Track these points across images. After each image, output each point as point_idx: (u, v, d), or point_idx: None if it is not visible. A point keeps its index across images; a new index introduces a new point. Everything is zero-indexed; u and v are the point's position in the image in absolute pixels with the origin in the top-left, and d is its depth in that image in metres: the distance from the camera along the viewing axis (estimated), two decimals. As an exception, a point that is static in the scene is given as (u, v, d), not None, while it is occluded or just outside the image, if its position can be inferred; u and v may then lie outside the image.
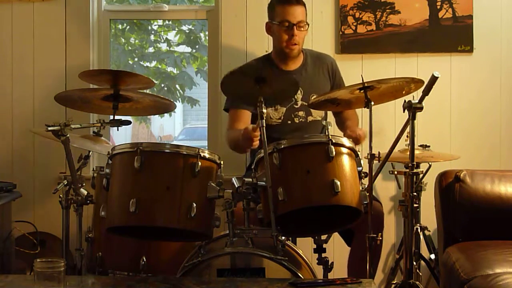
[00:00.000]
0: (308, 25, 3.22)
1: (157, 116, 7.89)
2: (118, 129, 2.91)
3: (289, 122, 3.25)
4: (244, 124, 3.07)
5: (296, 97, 3.24)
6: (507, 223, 3.07)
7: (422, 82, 2.61)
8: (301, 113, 3.26)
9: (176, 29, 6.26)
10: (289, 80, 2.66)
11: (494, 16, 3.72)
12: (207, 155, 2.41)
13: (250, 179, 2.36)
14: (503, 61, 3.72)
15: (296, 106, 3.26)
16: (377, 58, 3.73)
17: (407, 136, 2.61)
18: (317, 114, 3.28)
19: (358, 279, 2.27)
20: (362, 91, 2.60)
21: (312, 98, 3.14)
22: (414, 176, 2.60)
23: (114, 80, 2.74)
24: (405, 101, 2.51)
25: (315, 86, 3.26)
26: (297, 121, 3.26)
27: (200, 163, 2.36)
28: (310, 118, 3.28)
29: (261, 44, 3.61)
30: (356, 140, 2.94)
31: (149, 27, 6.32)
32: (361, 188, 2.45)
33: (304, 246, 2.89)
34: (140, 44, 6.51)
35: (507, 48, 3.72)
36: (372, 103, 2.58)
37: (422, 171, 3.02)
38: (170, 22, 6.11)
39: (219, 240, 2.53)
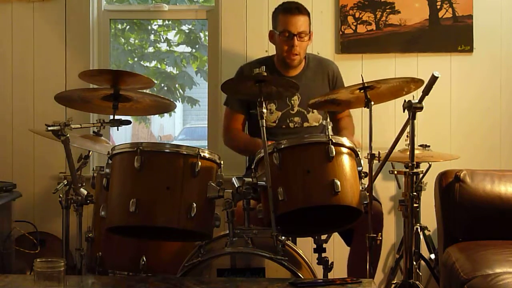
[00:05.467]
0: (311, 35, 3.22)
1: (157, 116, 7.88)
2: (118, 129, 2.91)
3: (284, 126, 3.25)
4: (240, 126, 3.30)
5: (293, 102, 3.24)
6: (507, 223, 3.07)
7: (422, 82, 2.61)
8: (296, 119, 3.26)
9: (176, 29, 6.26)
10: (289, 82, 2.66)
11: (494, 16, 3.71)
12: (207, 155, 2.41)
13: (250, 179, 2.37)
14: (503, 61, 3.72)
15: (292, 112, 3.26)
16: (377, 58, 3.73)
17: (407, 136, 2.61)
18: (313, 120, 3.28)
19: (358, 279, 2.27)
20: (362, 91, 2.60)
21: (311, 101, 3.15)
22: (414, 176, 2.60)
23: (114, 80, 2.74)
24: (405, 101, 2.51)
25: (314, 93, 3.23)
26: (292, 126, 3.26)
27: (200, 163, 2.36)
28: (305, 124, 3.27)
29: (261, 44, 3.62)
30: None
31: (149, 27, 6.32)
32: (361, 188, 2.45)
33: (304, 246, 2.89)
34: (140, 44, 6.50)
35: (507, 48, 3.72)
36: (372, 103, 2.58)
37: (422, 171, 3.02)
38: (170, 22, 6.11)
39: (219, 240, 2.52)
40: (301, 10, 3.19)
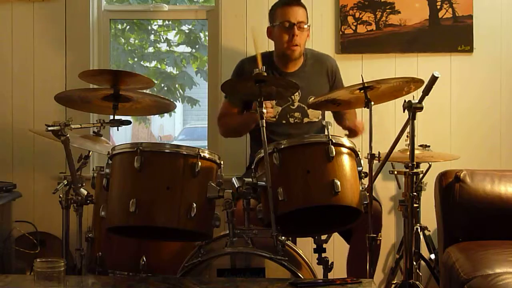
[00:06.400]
0: (309, 27, 3.22)
1: (157, 116, 7.90)
2: (118, 129, 2.92)
3: (284, 122, 3.25)
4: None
5: (293, 97, 3.24)
6: (507, 223, 3.07)
7: (422, 82, 2.61)
8: (297, 114, 3.26)
9: (176, 29, 6.27)
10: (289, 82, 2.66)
11: (494, 16, 3.71)
12: (207, 155, 2.41)
13: (250, 179, 2.37)
14: (503, 61, 3.72)
15: (293, 107, 3.26)
16: (377, 58, 3.73)
17: (407, 136, 2.61)
18: (313, 116, 3.28)
19: (358, 279, 2.27)
20: (362, 91, 2.60)
21: (310, 100, 3.15)
22: (414, 176, 2.60)
23: (114, 80, 2.74)
24: (405, 101, 2.51)
25: (313, 88, 3.25)
26: (292, 122, 3.26)
27: (200, 163, 2.36)
28: (306, 120, 3.28)
29: (261, 44, 3.61)
30: (355, 132, 3.14)
31: (149, 27, 6.32)
32: (361, 188, 2.45)
33: (304, 246, 2.89)
34: (140, 44, 6.51)
35: (507, 48, 3.72)
36: (372, 103, 2.58)
37: (422, 171, 3.02)
38: (170, 22, 6.11)
39: (219, 240, 2.53)
40: (299, 2, 3.23)
